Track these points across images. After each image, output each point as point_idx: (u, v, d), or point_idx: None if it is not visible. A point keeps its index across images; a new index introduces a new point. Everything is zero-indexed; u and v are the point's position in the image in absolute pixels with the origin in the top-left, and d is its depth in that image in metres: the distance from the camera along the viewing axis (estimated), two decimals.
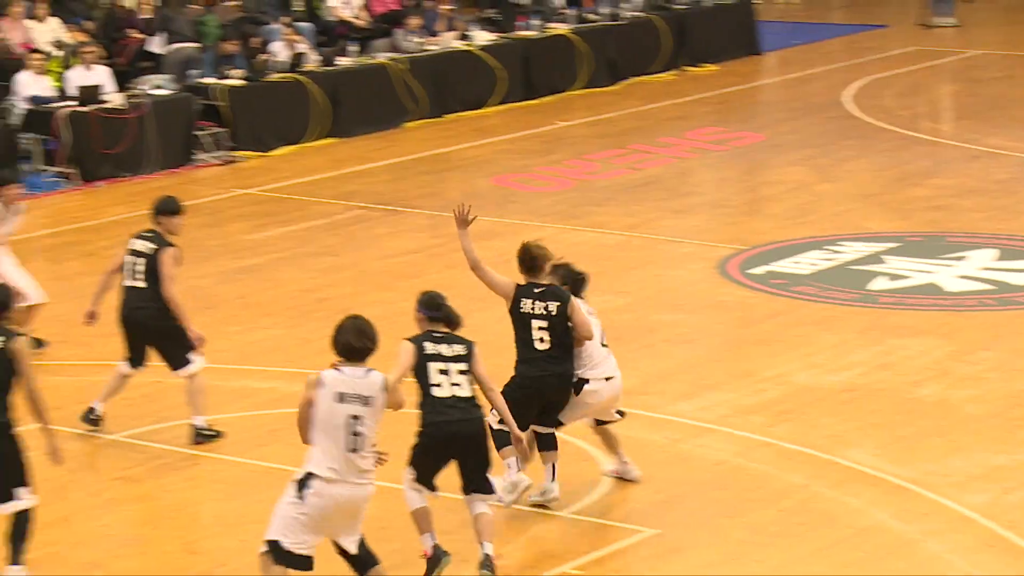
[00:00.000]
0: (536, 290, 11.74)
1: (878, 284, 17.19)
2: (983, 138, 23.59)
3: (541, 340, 11.65)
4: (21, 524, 10.39)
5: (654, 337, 15.75)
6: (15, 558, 10.38)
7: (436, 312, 11.03)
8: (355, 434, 9.81)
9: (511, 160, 23.15)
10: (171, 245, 13.16)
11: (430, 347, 10.87)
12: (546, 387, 11.69)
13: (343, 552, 10.06)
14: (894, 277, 17.43)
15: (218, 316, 16.49)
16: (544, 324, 11.65)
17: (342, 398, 9.85)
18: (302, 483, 9.85)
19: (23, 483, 10.39)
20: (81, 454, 13.17)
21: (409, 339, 10.91)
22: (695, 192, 21.61)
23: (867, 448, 13.01)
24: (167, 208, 13.34)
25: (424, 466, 10.87)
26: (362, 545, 10.08)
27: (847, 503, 12.04)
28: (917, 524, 11.68)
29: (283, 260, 18.64)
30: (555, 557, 11.19)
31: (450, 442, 10.79)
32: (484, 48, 26.39)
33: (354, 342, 9.90)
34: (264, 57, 24.29)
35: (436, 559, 10.65)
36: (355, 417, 9.82)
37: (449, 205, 20.89)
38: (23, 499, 10.39)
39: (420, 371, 10.82)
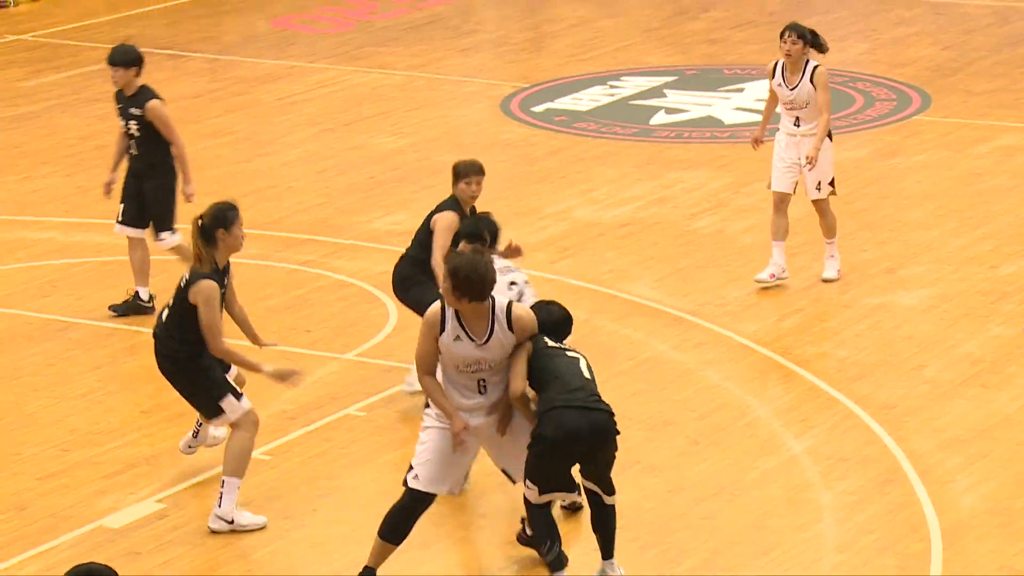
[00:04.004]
0: None
1: (657, 119, 17.29)
2: None
3: None
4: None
5: (438, 178, 15.66)
6: None
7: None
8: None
9: (291, 1, 22.75)
10: None
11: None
12: None
13: None
14: (672, 111, 17.54)
15: None
16: None
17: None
18: None
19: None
20: None
21: None
22: (478, 30, 21.48)
23: (646, 281, 13.16)
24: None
25: None
26: None
27: (628, 335, 12.18)
28: (695, 353, 11.87)
29: (59, 107, 18.19)
30: (338, 400, 11.17)
31: None
32: None
33: None
34: None
35: None
36: None
37: (227, 48, 20.66)
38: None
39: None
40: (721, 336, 12.13)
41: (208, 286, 9.43)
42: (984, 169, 15.60)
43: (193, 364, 9.60)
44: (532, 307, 9.17)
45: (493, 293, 8.78)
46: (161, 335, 9.67)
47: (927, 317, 12.43)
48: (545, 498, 8.91)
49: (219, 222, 9.50)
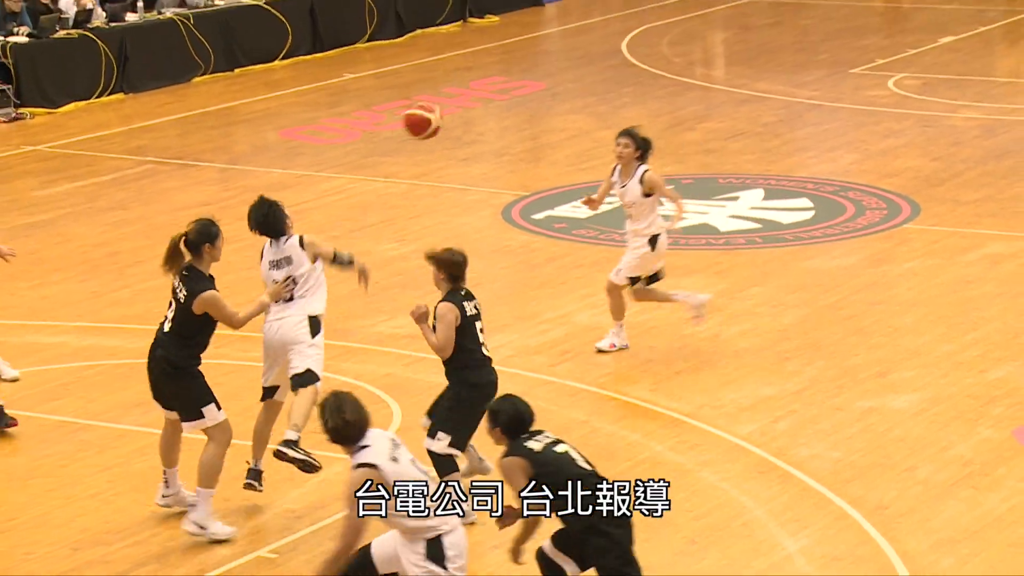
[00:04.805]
0: (462, 292, 11.05)
1: None
2: (751, 83, 23.96)
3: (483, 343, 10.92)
4: None
5: None
6: None
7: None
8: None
9: (299, 113, 22.95)
10: None
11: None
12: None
13: None
14: (669, 218, 17.58)
15: (8, 271, 16.11)
16: (481, 325, 10.98)
17: None
18: None
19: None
20: None
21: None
22: (479, 141, 21.62)
23: (644, 384, 13.18)
24: None
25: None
26: None
27: (626, 437, 12.19)
28: (691, 455, 11.87)
29: (73, 215, 18.31)
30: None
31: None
32: (271, 2, 26.08)
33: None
34: (52, 14, 23.75)
35: None
36: None
37: (238, 158, 20.82)
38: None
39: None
40: (717, 438, 12.13)
41: (209, 295, 10.47)
42: (972, 276, 15.66)
43: (190, 372, 10.55)
44: (495, 401, 9.07)
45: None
46: (167, 344, 10.53)
47: (918, 420, 12.44)
48: None
49: (205, 237, 10.58)
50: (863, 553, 10.35)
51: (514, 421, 8.96)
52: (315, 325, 11.11)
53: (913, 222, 17.40)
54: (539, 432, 9.04)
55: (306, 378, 10.90)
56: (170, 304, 10.67)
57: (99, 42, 23.68)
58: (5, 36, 23.14)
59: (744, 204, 18.02)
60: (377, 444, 8.68)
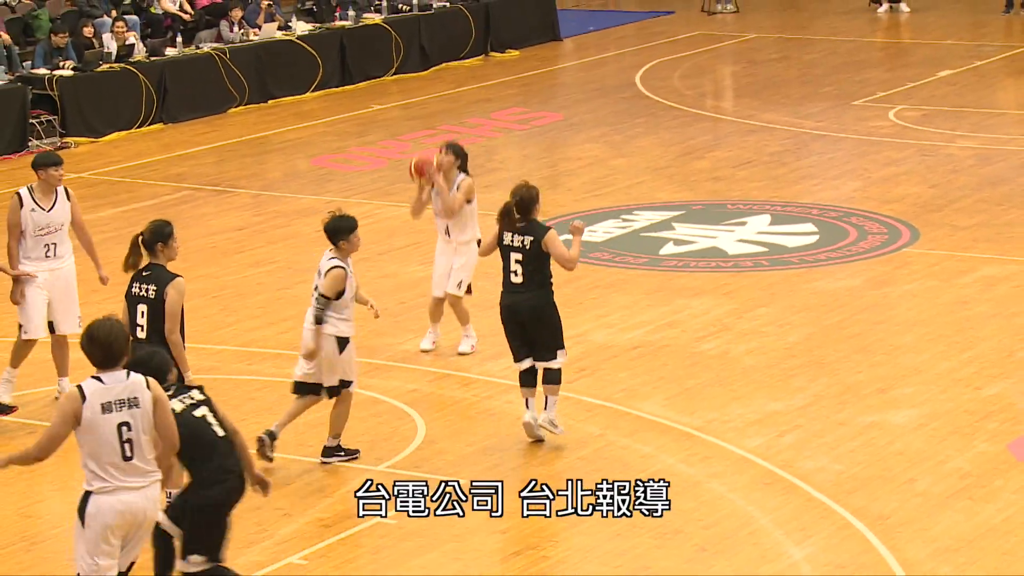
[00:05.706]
0: (520, 224, 12.24)
1: (666, 249, 17.40)
2: (759, 114, 23.97)
3: (514, 272, 12.15)
4: None
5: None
6: None
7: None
8: (127, 441, 8.50)
9: (329, 142, 23.01)
10: None
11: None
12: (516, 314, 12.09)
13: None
14: (680, 242, 17.65)
15: None
16: (519, 257, 12.12)
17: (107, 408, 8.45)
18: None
19: None
20: None
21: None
22: (500, 168, 21.64)
23: (656, 400, 13.18)
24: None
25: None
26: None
27: (639, 450, 12.19)
28: (701, 467, 11.87)
29: (114, 239, 18.29)
30: None
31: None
32: (303, 37, 26.18)
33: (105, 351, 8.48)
34: (95, 49, 23.88)
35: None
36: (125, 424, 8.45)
37: (270, 185, 20.86)
38: None
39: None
40: (726, 450, 12.13)
41: (183, 282, 10.64)
42: (969, 297, 15.64)
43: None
44: (139, 354, 8.95)
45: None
46: (154, 347, 10.04)
47: (917, 434, 12.42)
48: None
49: (159, 237, 10.67)
50: (865, 561, 10.34)
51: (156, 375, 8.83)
52: (342, 343, 11.88)
53: (913, 246, 17.39)
54: (188, 389, 9.16)
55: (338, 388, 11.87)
56: (136, 312, 10.59)
57: (140, 75, 23.78)
58: (51, 70, 23.26)
59: (751, 229, 18.04)
60: (108, 385, 8.39)
